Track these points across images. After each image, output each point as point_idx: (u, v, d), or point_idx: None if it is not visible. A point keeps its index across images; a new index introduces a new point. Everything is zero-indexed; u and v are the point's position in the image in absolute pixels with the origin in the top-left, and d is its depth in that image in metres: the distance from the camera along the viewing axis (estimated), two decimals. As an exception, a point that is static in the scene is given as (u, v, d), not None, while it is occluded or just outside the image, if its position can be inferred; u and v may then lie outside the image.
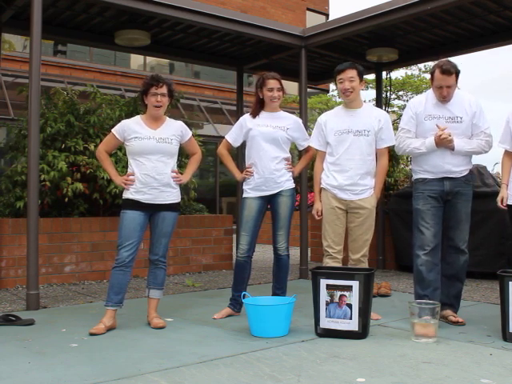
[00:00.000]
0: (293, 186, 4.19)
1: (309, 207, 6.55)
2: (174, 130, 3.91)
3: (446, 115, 3.84)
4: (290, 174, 4.17)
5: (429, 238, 3.82)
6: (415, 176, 3.98)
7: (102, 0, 5.19)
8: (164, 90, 3.80)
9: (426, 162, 3.87)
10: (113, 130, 3.89)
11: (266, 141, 4.07)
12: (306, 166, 4.55)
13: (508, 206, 3.77)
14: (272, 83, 4.10)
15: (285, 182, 4.12)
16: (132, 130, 3.81)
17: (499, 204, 3.81)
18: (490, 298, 4.92)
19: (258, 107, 4.18)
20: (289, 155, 4.18)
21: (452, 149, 3.79)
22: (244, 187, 4.17)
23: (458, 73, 3.80)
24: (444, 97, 3.81)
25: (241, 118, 4.25)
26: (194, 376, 2.74)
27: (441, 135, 3.73)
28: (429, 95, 3.95)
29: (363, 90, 4.13)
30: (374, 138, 4.04)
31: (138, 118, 3.93)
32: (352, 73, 4.00)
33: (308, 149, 4.29)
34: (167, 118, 3.98)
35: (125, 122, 3.89)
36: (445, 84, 3.76)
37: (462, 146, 3.81)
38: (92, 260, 5.93)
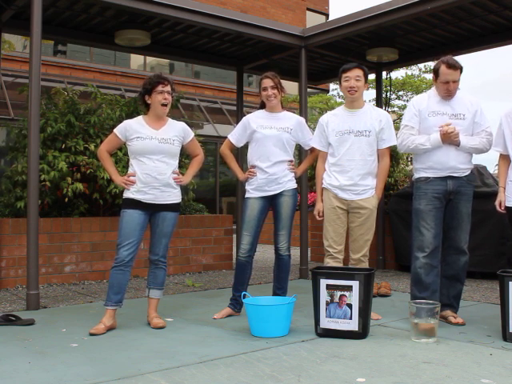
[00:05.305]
0: (295, 186, 4.19)
1: (309, 207, 6.56)
2: (176, 131, 3.91)
3: (449, 112, 3.85)
4: (293, 174, 4.17)
5: (429, 239, 3.81)
6: (417, 175, 3.96)
7: (102, 0, 5.19)
8: (169, 88, 3.83)
9: (430, 158, 3.85)
10: (115, 130, 3.89)
11: (270, 143, 4.07)
12: (309, 166, 4.54)
13: (507, 208, 3.77)
14: (265, 82, 4.11)
15: (287, 182, 4.12)
16: (134, 129, 3.81)
17: (497, 208, 3.81)
18: (490, 298, 4.92)
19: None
20: (291, 157, 4.19)
21: (457, 144, 3.79)
22: (246, 187, 4.18)
23: (461, 69, 3.82)
24: (450, 91, 3.81)
25: (244, 119, 4.25)
26: (194, 376, 2.74)
27: (447, 130, 3.73)
28: (431, 93, 3.96)
29: (365, 90, 4.15)
30: (375, 139, 4.04)
31: (140, 118, 3.93)
32: (359, 72, 4.01)
33: (313, 149, 4.28)
34: (169, 119, 3.99)
35: (127, 122, 3.89)
36: (451, 78, 3.77)
37: (467, 142, 3.81)
38: (92, 260, 5.93)
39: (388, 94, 14.59)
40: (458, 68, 3.78)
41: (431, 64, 14.25)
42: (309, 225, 6.69)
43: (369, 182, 4.05)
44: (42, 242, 5.16)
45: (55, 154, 5.75)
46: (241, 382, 2.65)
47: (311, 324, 3.67)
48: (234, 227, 7.49)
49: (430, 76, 15.20)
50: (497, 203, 3.80)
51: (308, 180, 6.57)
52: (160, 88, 3.79)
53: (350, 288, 3.47)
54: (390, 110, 15.31)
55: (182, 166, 6.24)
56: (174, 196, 3.89)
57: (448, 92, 3.82)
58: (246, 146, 4.37)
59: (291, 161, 4.18)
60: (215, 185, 15.23)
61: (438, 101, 3.89)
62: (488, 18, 6.01)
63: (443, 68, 3.78)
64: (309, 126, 4.38)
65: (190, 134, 4.02)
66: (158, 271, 3.91)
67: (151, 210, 3.81)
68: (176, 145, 3.88)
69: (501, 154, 3.85)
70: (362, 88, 4.02)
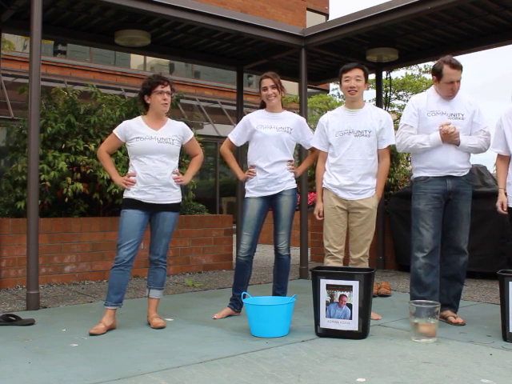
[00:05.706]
0: (295, 186, 4.19)
1: (309, 207, 6.56)
2: (176, 131, 3.91)
3: (448, 112, 3.85)
4: (292, 174, 4.17)
5: (428, 239, 3.80)
6: (416, 174, 3.95)
7: (102, 0, 5.19)
8: (169, 88, 3.83)
9: (430, 157, 3.84)
10: (114, 131, 3.89)
11: (270, 143, 4.07)
12: (309, 166, 4.54)
13: (509, 208, 3.76)
14: (265, 82, 4.12)
15: (286, 182, 4.12)
16: (133, 130, 3.81)
17: (499, 209, 3.79)
18: (490, 298, 4.92)
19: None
20: (291, 157, 4.19)
21: (457, 144, 3.79)
22: (246, 187, 4.18)
23: (462, 68, 3.84)
24: (454, 91, 3.82)
25: (244, 118, 4.25)
26: (194, 376, 2.74)
27: (448, 129, 3.73)
28: (430, 92, 3.95)
29: (365, 90, 4.15)
30: (375, 139, 4.04)
31: (139, 118, 3.94)
32: (359, 72, 4.01)
33: (313, 149, 4.28)
34: (168, 118, 3.99)
35: (126, 123, 3.89)
36: (455, 78, 3.78)
37: (466, 141, 3.82)
38: (92, 260, 5.94)
39: (388, 93, 14.58)
40: (460, 68, 3.80)
41: (431, 64, 14.25)
42: (309, 225, 6.68)
43: (369, 182, 4.05)
44: (42, 241, 5.16)
45: (55, 154, 5.75)
46: (241, 381, 2.65)
47: (311, 324, 3.67)
48: (234, 227, 7.49)
49: (429, 76, 15.19)
50: (498, 204, 3.79)
51: (308, 180, 6.56)
52: (159, 88, 3.79)
53: (349, 288, 3.47)
54: (390, 109, 15.31)
55: (182, 166, 6.24)
56: (175, 196, 3.90)
57: (452, 92, 3.83)
58: (246, 146, 4.37)
59: (291, 161, 4.18)
60: (215, 185, 15.23)
61: (437, 100, 3.89)
62: (488, 18, 6.01)
63: (447, 68, 3.77)
64: (309, 126, 4.38)
65: (190, 133, 4.03)
66: (158, 271, 3.91)
67: (151, 210, 3.81)
68: (175, 144, 3.88)
69: (499, 155, 3.85)
70: (362, 88, 4.02)
